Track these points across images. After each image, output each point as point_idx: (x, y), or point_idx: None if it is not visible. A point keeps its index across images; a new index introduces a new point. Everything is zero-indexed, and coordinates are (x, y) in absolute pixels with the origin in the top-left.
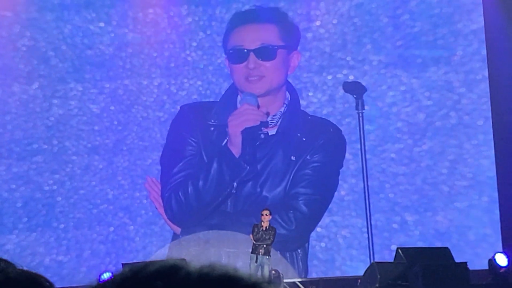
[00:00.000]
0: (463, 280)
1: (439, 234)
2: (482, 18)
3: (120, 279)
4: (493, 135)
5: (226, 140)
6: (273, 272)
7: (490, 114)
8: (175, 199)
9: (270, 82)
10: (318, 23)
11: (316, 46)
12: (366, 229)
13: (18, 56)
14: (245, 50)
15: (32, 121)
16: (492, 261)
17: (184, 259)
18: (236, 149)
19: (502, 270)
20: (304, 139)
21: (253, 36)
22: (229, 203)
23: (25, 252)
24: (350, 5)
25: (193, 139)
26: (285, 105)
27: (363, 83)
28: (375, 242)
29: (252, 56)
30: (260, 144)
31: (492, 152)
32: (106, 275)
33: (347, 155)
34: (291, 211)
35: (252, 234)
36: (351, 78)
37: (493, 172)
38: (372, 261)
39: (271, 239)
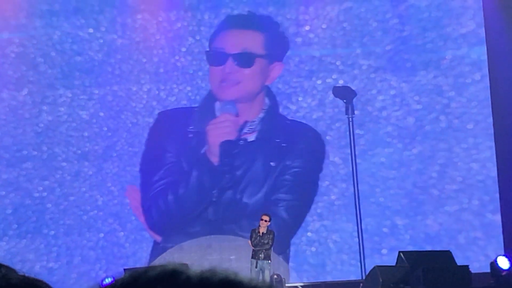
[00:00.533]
0: (465, 283)
1: (429, 237)
2: (472, 21)
3: (121, 284)
4: (494, 137)
5: (205, 148)
6: (275, 276)
7: (480, 118)
8: (155, 207)
9: (243, 89)
10: (307, 27)
11: (305, 51)
12: (356, 233)
13: (7, 63)
14: (225, 54)
15: (22, 127)
16: (494, 264)
17: (185, 264)
18: (215, 158)
19: (504, 273)
20: (283, 145)
21: (236, 41)
22: (210, 210)
23: (15, 259)
24: (339, 9)
25: (172, 146)
26: (263, 110)
27: (353, 88)
28: (366, 246)
29: (230, 60)
30: (239, 151)
31: (482, 156)
32: (108, 280)
33: (337, 159)
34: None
35: (250, 240)
36: (340, 82)
37: (482, 176)
38: (362, 265)
39: (270, 243)
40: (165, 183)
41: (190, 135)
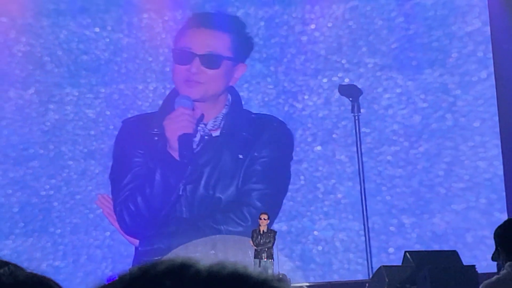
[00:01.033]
0: (471, 283)
1: (436, 236)
2: (478, 20)
3: (129, 278)
4: (500, 135)
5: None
6: (281, 276)
7: (486, 116)
8: (126, 211)
9: (207, 89)
10: (313, 26)
11: (311, 49)
12: (363, 232)
13: (14, 62)
14: (192, 53)
15: (28, 126)
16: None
17: (194, 258)
18: (176, 152)
19: None
20: (249, 137)
21: (203, 41)
22: (184, 208)
23: (22, 257)
24: (345, 8)
25: (139, 151)
26: (226, 106)
27: (359, 86)
28: (373, 245)
29: (196, 60)
30: (205, 146)
31: (488, 154)
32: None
33: (343, 158)
34: (245, 207)
35: (252, 240)
36: (346, 81)
37: (489, 174)
38: (369, 264)
39: (272, 241)
40: (133, 187)
41: (156, 138)
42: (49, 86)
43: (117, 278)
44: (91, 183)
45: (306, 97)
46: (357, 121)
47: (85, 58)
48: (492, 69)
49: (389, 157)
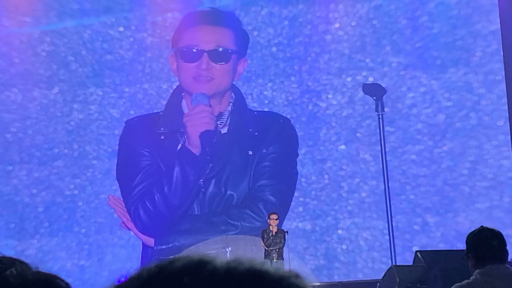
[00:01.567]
0: None
1: (460, 235)
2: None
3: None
4: (511, 135)
5: (180, 143)
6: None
7: (510, 114)
8: (142, 209)
9: (218, 85)
10: (337, 25)
11: (335, 48)
12: (387, 231)
13: (38, 61)
14: (199, 50)
15: (53, 125)
16: None
17: (211, 255)
18: (196, 149)
19: None
20: (256, 134)
21: (209, 38)
22: (195, 207)
23: (47, 257)
24: (368, 7)
25: (146, 150)
26: (231, 103)
27: (383, 85)
28: (397, 244)
29: (205, 57)
30: (216, 144)
31: None
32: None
33: (367, 156)
34: (261, 203)
35: (263, 240)
36: (370, 80)
37: None
38: (393, 263)
39: (282, 242)
40: (146, 185)
41: (162, 137)
42: (73, 85)
43: (134, 275)
44: (116, 182)
45: (330, 96)
46: (381, 120)
47: (109, 58)
48: None
49: (413, 156)
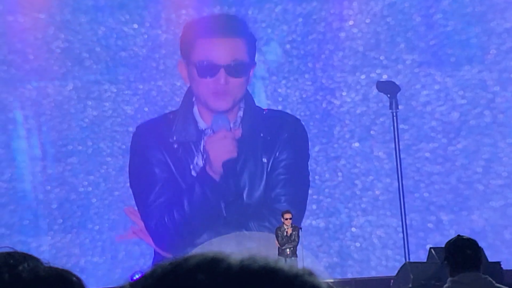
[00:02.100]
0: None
1: (474, 233)
2: None
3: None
4: None
5: (199, 162)
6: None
7: None
8: (162, 227)
9: (235, 98)
10: (351, 22)
11: (349, 46)
12: (401, 229)
13: (52, 58)
14: (216, 65)
15: (67, 122)
16: None
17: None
18: (217, 176)
19: None
20: (268, 138)
21: (224, 52)
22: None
23: (60, 253)
24: (383, 4)
25: (160, 159)
26: (242, 108)
27: (397, 82)
28: (411, 241)
29: (222, 72)
30: (238, 172)
31: None
32: (138, 276)
33: (381, 154)
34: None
35: (277, 239)
36: (384, 77)
37: None
38: (406, 261)
39: (296, 240)
40: (165, 201)
41: (175, 146)
42: (87, 82)
43: (148, 272)
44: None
45: (344, 93)
46: (395, 117)
47: (124, 55)
48: None
49: (427, 154)
